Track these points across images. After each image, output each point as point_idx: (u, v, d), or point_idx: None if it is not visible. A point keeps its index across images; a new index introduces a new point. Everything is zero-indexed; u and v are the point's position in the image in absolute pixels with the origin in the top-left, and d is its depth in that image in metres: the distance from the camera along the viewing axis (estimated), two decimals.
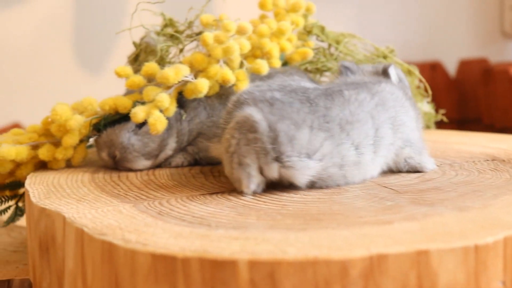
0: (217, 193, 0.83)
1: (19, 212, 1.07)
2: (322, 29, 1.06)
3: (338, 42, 1.07)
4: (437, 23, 2.08)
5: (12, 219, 1.07)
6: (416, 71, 1.12)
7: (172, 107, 0.92)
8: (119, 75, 0.95)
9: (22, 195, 1.06)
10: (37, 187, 0.87)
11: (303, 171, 0.79)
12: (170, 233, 0.68)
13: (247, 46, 0.95)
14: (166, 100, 0.90)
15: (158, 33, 1.01)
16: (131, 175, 0.94)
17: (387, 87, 0.87)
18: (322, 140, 0.80)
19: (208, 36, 0.94)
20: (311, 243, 0.63)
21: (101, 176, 0.94)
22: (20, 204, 1.07)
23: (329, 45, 1.09)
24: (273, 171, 0.78)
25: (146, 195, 0.83)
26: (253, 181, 0.79)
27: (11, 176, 1.00)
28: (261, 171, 0.80)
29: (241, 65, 0.98)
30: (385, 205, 0.75)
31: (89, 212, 0.76)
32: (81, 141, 0.96)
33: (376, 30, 1.11)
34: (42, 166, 0.99)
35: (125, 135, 0.95)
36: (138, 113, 0.89)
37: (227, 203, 0.78)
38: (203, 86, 0.91)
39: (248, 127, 0.78)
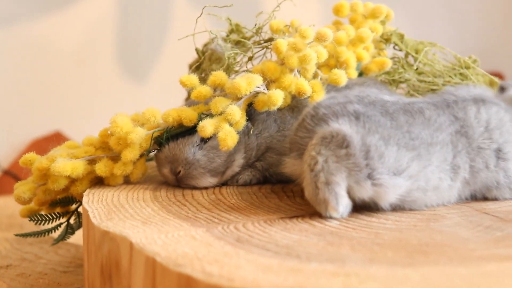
0: (296, 216, 0.75)
1: (69, 230, 1.00)
2: (401, 37, 0.97)
3: (417, 52, 0.98)
4: (497, 33, 1.98)
5: (63, 237, 0.99)
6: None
7: (242, 121, 0.84)
8: (184, 84, 0.87)
9: (74, 212, 0.98)
10: (96, 206, 0.79)
11: (393, 189, 0.71)
12: (256, 266, 0.59)
13: (324, 55, 0.86)
14: (237, 112, 0.82)
15: (224, 40, 0.92)
16: (196, 193, 0.86)
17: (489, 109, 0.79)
18: (409, 159, 0.72)
19: (282, 43, 0.86)
20: (425, 283, 0.54)
21: (164, 194, 0.86)
22: (71, 221, 0.99)
23: (406, 55, 1.00)
24: (366, 190, 0.70)
25: (218, 218, 0.74)
26: (342, 203, 0.70)
27: (64, 192, 0.92)
28: (348, 192, 0.71)
29: (315, 75, 0.90)
30: (494, 235, 0.66)
31: (159, 237, 0.67)
32: (141, 155, 0.88)
33: (435, 40, 1.02)
34: (98, 182, 0.91)
35: (190, 150, 0.86)
36: (207, 127, 0.81)
37: (312, 229, 0.69)
38: (277, 98, 0.83)
39: (338, 143, 0.69)
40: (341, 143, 0.70)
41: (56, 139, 1.79)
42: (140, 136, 0.84)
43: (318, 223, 0.72)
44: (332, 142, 0.70)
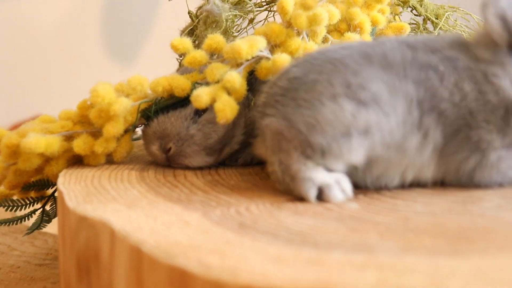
0: None
1: (46, 218, 0.88)
2: (421, 0, 0.86)
3: (437, 17, 0.87)
4: None
5: (38, 226, 0.88)
6: None
7: (242, 90, 0.73)
8: (176, 49, 0.76)
9: (50, 196, 0.87)
10: (73, 188, 0.68)
11: (347, 153, 0.63)
12: (264, 257, 0.48)
13: (336, 15, 0.76)
14: (237, 80, 0.71)
15: (222, 0, 0.81)
16: (189, 174, 0.75)
17: None
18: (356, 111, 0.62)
19: (288, 2, 0.75)
20: (478, 276, 0.43)
21: (152, 174, 0.74)
22: (47, 207, 0.88)
23: (425, 20, 0.89)
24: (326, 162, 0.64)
25: (216, 201, 0.63)
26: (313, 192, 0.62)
27: (37, 174, 0.81)
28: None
29: (325, 40, 0.79)
30: None
31: (146, 223, 0.56)
32: (125, 131, 0.77)
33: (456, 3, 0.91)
34: (76, 161, 0.79)
35: (183, 124, 0.75)
36: (202, 96, 0.70)
37: (328, 213, 0.59)
38: (283, 64, 0.72)
39: (275, 139, 0.66)
40: (276, 138, 0.63)
41: None
42: (124, 107, 0.73)
43: (335, 207, 0.61)
44: (271, 143, 0.64)
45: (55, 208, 0.88)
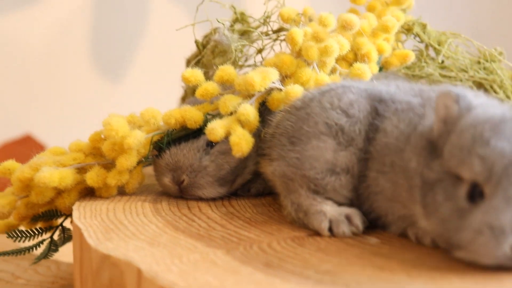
0: None
1: (53, 247, 0.88)
2: (424, 27, 0.87)
3: (439, 43, 0.88)
4: None
5: (45, 255, 0.87)
6: None
7: (256, 122, 0.73)
8: (187, 81, 0.76)
9: (58, 226, 0.86)
10: (90, 223, 0.68)
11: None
12: None
13: (346, 46, 0.76)
14: (251, 112, 0.72)
15: (232, 30, 0.81)
16: (203, 206, 0.75)
17: None
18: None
19: (298, 33, 0.76)
20: None
21: (166, 206, 0.75)
22: (55, 237, 0.87)
23: (427, 46, 0.90)
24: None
25: (237, 236, 0.64)
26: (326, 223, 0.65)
27: (48, 205, 0.80)
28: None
29: (333, 69, 0.80)
30: None
31: (172, 262, 0.56)
32: (137, 162, 0.77)
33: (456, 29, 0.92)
34: (87, 193, 0.79)
35: (196, 156, 0.76)
36: (216, 129, 0.70)
37: (351, 249, 0.59)
38: (296, 95, 0.72)
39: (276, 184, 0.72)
40: (283, 181, 0.68)
41: (27, 143, 1.66)
42: (138, 140, 0.73)
43: (355, 242, 0.61)
44: (280, 187, 0.69)
45: (63, 238, 0.88)
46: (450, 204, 0.54)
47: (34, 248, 0.87)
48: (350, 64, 0.81)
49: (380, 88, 0.67)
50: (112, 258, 0.58)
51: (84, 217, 0.70)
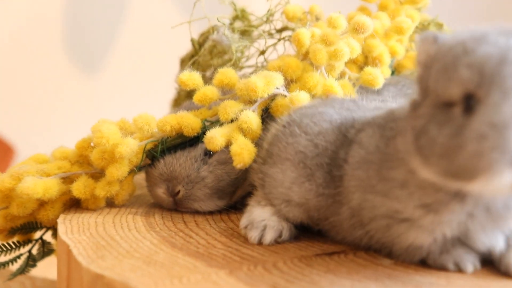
0: (336, 253, 0.68)
1: (31, 262, 0.91)
2: (440, 26, 0.91)
3: None
4: None
5: (22, 270, 0.90)
6: None
7: (259, 130, 0.77)
8: (184, 85, 0.80)
9: (38, 240, 0.89)
10: (79, 239, 0.71)
11: None
12: None
13: (357, 50, 0.80)
14: (254, 120, 0.75)
15: (232, 29, 0.85)
16: (201, 220, 0.79)
17: None
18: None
19: (304, 34, 0.80)
20: None
21: (160, 220, 0.78)
22: (34, 251, 0.91)
23: None
24: None
25: (239, 255, 0.67)
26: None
27: (30, 218, 0.84)
28: None
29: (342, 74, 0.83)
30: None
31: (171, 283, 0.60)
32: (128, 172, 0.80)
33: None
34: (73, 204, 0.83)
35: (193, 165, 0.79)
36: (216, 138, 0.74)
37: (363, 271, 0.63)
38: (302, 102, 0.76)
39: None
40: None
41: None
42: (131, 149, 0.76)
43: (366, 262, 0.65)
44: None
45: (43, 252, 0.91)
46: (446, 130, 0.55)
47: (10, 263, 0.90)
48: (360, 68, 0.85)
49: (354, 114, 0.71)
50: (106, 279, 0.62)
51: (72, 232, 0.74)
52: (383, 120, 0.65)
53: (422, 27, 0.92)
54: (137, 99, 1.82)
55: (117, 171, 0.77)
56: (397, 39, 0.88)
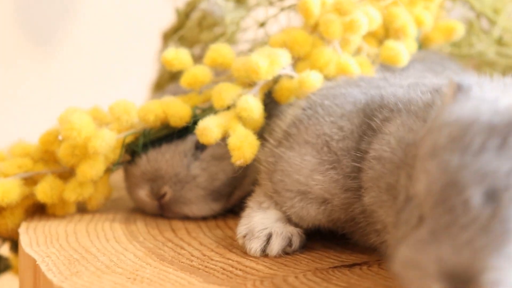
0: (357, 264, 0.69)
1: None
2: None
3: (496, 12, 0.93)
4: None
5: None
6: None
7: (261, 119, 0.78)
8: (170, 64, 0.80)
9: None
10: (47, 252, 0.72)
11: None
12: None
13: (376, 20, 0.81)
14: (255, 107, 0.76)
15: None
16: (192, 227, 0.80)
17: None
18: None
19: (312, 2, 0.80)
20: None
21: (143, 229, 0.79)
22: None
23: (478, 16, 0.95)
24: None
25: (242, 269, 0.68)
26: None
27: None
28: None
29: (358, 49, 0.84)
30: None
31: None
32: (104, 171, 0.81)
33: None
34: (36, 210, 0.83)
35: (182, 162, 0.80)
36: (211, 129, 0.75)
37: (389, 285, 0.64)
38: (313, 84, 0.77)
39: None
40: None
41: None
42: (107, 143, 0.77)
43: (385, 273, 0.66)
44: None
45: None
46: (404, 227, 0.56)
47: None
48: (380, 42, 0.86)
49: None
50: None
51: (37, 244, 0.74)
52: (419, 109, 0.65)
53: None
54: (107, 81, 1.81)
55: (91, 170, 0.78)
56: (424, 6, 0.88)
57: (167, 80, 0.97)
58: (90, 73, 1.83)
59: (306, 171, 0.70)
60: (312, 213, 0.71)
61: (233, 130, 0.75)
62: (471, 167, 0.51)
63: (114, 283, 0.65)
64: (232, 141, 0.75)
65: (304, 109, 0.73)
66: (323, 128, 0.70)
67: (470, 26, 0.95)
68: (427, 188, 0.53)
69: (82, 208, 0.84)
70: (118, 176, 0.87)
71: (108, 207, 0.86)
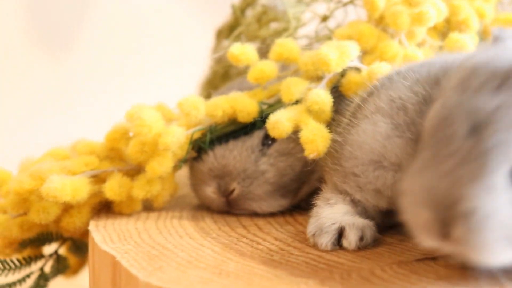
0: (441, 256, 0.69)
1: (42, 283, 0.91)
2: None
3: None
4: None
5: None
6: None
7: (330, 112, 0.77)
8: (237, 60, 0.80)
9: (53, 255, 0.90)
10: (124, 248, 0.71)
11: None
12: None
13: (443, 13, 0.81)
14: (326, 100, 0.76)
15: None
16: (262, 223, 0.80)
17: None
18: None
19: None
20: None
21: (213, 225, 0.79)
22: (46, 269, 0.91)
23: None
24: None
25: (325, 262, 0.68)
26: None
27: (52, 227, 0.84)
28: None
29: (421, 42, 0.84)
30: None
31: None
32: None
33: None
34: (101, 208, 0.83)
35: (250, 158, 0.80)
36: (282, 123, 0.74)
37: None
38: (382, 74, 0.76)
39: None
40: None
41: None
42: (178, 139, 0.77)
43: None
44: None
45: (57, 268, 0.91)
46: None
47: (18, 284, 0.91)
48: (441, 34, 0.86)
49: None
50: None
51: (112, 241, 0.74)
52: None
53: None
54: (119, 85, 1.81)
55: (160, 166, 0.78)
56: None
57: (220, 78, 0.97)
58: (93, 72, 1.83)
59: (380, 137, 0.70)
60: (389, 182, 0.70)
61: (305, 124, 0.75)
62: (465, 104, 0.56)
63: (200, 277, 0.64)
64: (304, 134, 0.74)
65: (377, 80, 0.73)
66: (398, 92, 0.70)
67: None
68: (428, 123, 0.58)
69: (147, 206, 0.83)
70: (181, 173, 0.87)
71: (173, 204, 0.86)
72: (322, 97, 0.76)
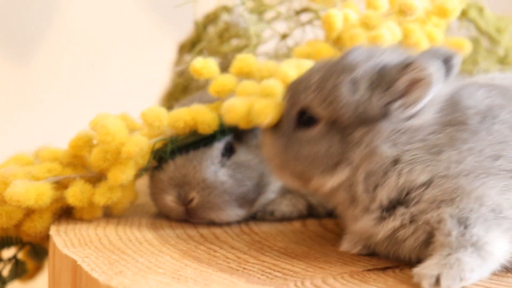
0: (390, 268, 0.72)
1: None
2: (481, 10, 0.96)
3: (499, 31, 0.97)
4: None
5: None
6: None
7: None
8: (198, 74, 0.82)
9: (11, 259, 0.91)
10: (84, 253, 0.73)
11: None
12: None
13: (398, 36, 0.84)
14: (278, 84, 0.78)
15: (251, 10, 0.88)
16: (219, 232, 0.82)
17: None
18: None
19: (335, 16, 0.83)
20: None
21: (171, 233, 0.81)
22: (4, 273, 0.92)
23: (482, 35, 0.99)
24: None
25: (280, 270, 0.70)
26: None
27: (5, 231, 0.85)
28: None
29: None
30: None
31: None
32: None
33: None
34: (62, 214, 0.85)
35: (209, 168, 0.82)
36: (236, 105, 0.76)
37: None
38: None
39: None
40: None
41: None
42: (140, 148, 0.79)
43: None
44: None
45: (15, 271, 0.92)
46: None
47: None
48: None
49: None
50: None
51: (73, 245, 0.75)
52: None
53: (461, 11, 0.97)
54: (86, 93, 1.82)
55: (122, 174, 0.80)
56: (435, 24, 0.92)
57: (181, 90, 0.99)
58: (55, 79, 1.83)
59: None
60: None
61: (257, 101, 0.75)
62: None
63: (160, 282, 0.66)
64: (257, 106, 0.73)
65: None
66: None
67: (475, 44, 0.98)
68: None
69: (106, 213, 0.85)
70: (140, 181, 0.89)
71: (132, 212, 0.88)
72: (274, 82, 0.77)
